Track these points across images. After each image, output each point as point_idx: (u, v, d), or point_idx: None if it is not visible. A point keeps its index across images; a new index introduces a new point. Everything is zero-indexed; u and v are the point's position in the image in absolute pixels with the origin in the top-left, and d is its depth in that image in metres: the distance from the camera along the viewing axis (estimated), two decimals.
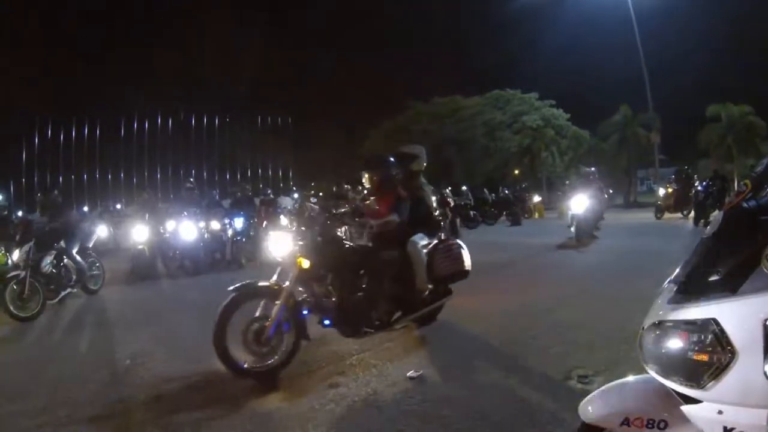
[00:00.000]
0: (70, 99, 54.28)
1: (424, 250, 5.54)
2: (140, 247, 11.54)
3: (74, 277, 8.80)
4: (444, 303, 5.86)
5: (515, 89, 42.12)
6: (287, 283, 4.70)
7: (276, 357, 4.59)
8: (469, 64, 57.36)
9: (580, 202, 13.35)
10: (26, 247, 8.03)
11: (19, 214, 26.68)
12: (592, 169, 16.19)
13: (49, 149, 61.23)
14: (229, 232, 12.52)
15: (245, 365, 4.49)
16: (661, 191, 21.43)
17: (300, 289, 4.90)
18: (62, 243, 8.73)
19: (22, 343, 6.70)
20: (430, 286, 5.55)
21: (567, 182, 27.90)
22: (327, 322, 4.95)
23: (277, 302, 4.59)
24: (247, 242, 12.89)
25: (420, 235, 5.61)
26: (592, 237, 13.58)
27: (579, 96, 42.85)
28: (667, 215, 19.48)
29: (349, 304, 4.91)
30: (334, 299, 4.93)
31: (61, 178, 60.92)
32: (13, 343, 6.71)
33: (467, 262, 5.72)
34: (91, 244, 9.83)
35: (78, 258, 8.85)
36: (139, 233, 11.64)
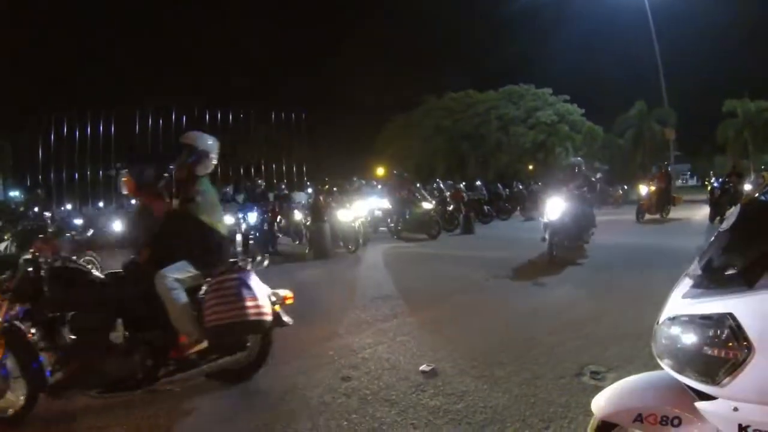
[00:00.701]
0: (86, 96, 54.88)
1: (204, 288, 4.16)
2: None
3: None
4: (244, 360, 4.32)
5: (529, 84, 41.95)
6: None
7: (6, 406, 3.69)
8: (482, 59, 57.02)
9: (555, 205, 10.06)
10: (2, 246, 7.91)
11: (35, 210, 26.97)
12: (578, 159, 12.80)
13: (66, 146, 61.86)
14: (243, 227, 12.54)
15: None
16: (643, 190, 18.46)
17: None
18: None
19: None
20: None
21: (539, 183, 24.63)
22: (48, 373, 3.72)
23: None
24: (260, 236, 12.94)
25: (179, 265, 4.07)
26: (579, 251, 10.48)
27: (593, 91, 42.61)
28: (647, 217, 16.99)
29: (68, 353, 3.75)
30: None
31: (76, 175, 61.51)
32: None
33: (253, 308, 3.97)
34: (83, 240, 9.46)
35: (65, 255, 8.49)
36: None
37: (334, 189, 14.19)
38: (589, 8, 36.37)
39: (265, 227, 13.44)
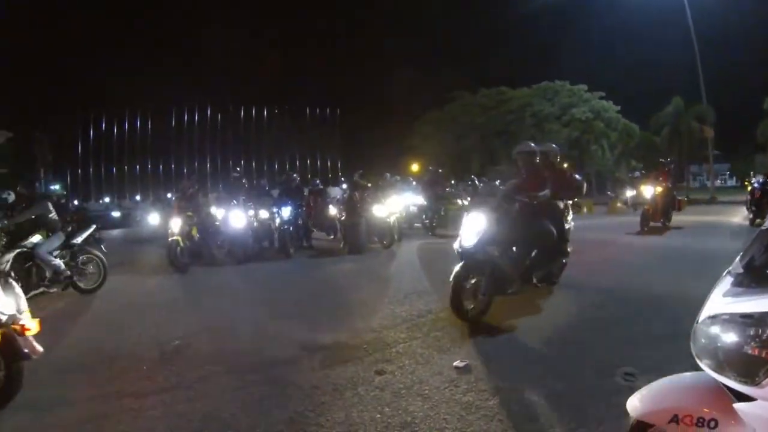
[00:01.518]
0: (124, 93, 56.30)
1: None
2: (174, 238, 10.98)
3: (48, 275, 8.03)
4: None
5: (564, 80, 41.45)
6: None
7: None
8: (516, 55, 56.56)
9: (472, 224, 5.92)
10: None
11: (75, 202, 27.80)
12: (554, 146, 8.02)
13: (105, 141, 63.55)
14: (277, 221, 12.66)
15: None
16: (647, 191, 14.65)
17: None
18: (33, 239, 8.02)
19: None
20: None
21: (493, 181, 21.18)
22: None
23: None
24: (294, 231, 13.07)
25: None
26: (531, 297, 6.60)
27: (629, 88, 41.97)
28: (651, 224, 14.00)
29: None
30: None
31: (114, 169, 63.15)
32: None
33: None
34: (79, 240, 8.82)
35: (47, 257, 7.95)
36: (175, 224, 11.23)
37: (368, 185, 14.23)
38: (626, 3, 35.51)
39: (300, 222, 13.56)
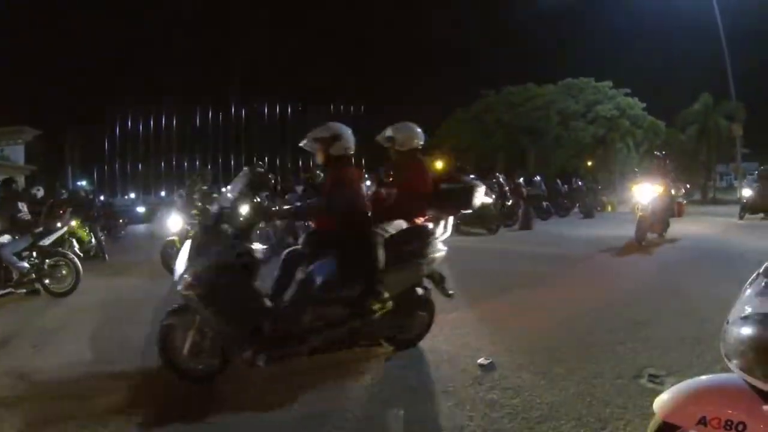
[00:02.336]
0: (149, 91, 57.20)
1: None
2: (171, 238, 10.10)
3: (14, 277, 7.98)
4: None
5: (588, 77, 40.96)
6: None
7: None
8: (539, 51, 55.92)
9: (185, 250, 4.30)
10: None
11: (101, 198, 28.30)
12: (416, 130, 5.65)
13: (131, 138, 64.53)
14: None
15: None
16: (644, 195, 11.30)
17: None
18: (2, 239, 8.08)
19: None
20: None
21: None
22: None
23: None
24: None
25: None
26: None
27: (655, 84, 41.30)
28: (649, 237, 11.29)
29: None
30: None
31: (140, 165, 64.08)
32: None
33: None
34: (47, 242, 8.62)
35: (11, 257, 7.91)
36: (173, 223, 10.42)
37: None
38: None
39: None
